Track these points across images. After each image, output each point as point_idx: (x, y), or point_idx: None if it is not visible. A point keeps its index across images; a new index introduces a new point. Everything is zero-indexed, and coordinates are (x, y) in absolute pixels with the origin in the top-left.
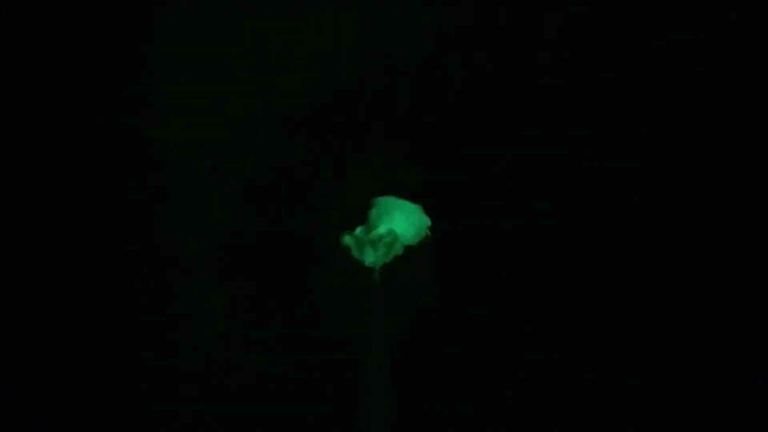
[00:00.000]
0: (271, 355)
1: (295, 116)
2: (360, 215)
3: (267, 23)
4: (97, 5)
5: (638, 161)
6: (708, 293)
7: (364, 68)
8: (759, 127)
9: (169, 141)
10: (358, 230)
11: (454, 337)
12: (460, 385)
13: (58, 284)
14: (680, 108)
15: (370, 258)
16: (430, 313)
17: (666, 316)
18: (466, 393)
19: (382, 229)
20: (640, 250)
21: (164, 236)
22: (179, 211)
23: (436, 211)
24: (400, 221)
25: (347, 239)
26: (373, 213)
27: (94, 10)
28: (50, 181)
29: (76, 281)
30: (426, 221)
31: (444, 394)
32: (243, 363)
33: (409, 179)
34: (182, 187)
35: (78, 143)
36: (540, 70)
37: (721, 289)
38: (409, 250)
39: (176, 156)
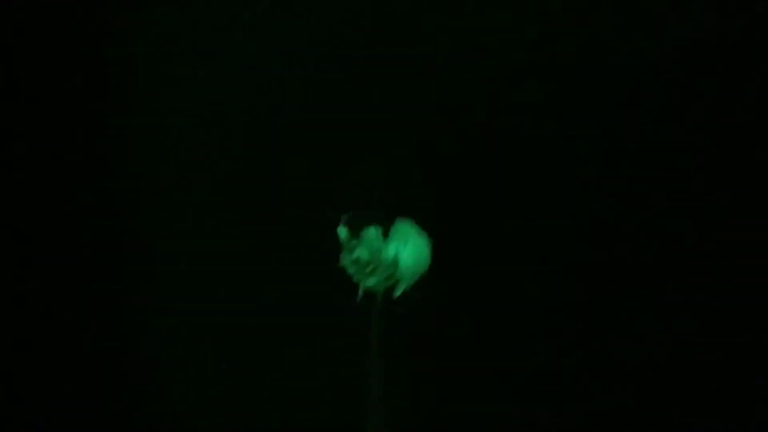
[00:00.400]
0: (267, 358)
1: (292, 117)
2: (358, 219)
3: (263, 22)
4: (88, 6)
5: (638, 163)
6: (708, 294)
7: (362, 69)
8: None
9: (163, 142)
10: (360, 251)
11: (453, 338)
12: (459, 386)
13: (56, 284)
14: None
15: (371, 282)
16: (430, 315)
17: (667, 317)
18: (465, 395)
19: (389, 254)
20: (641, 251)
21: (158, 237)
22: (174, 212)
23: (435, 213)
24: (409, 253)
25: (346, 259)
26: (377, 233)
27: (83, 11)
28: (45, 181)
29: (74, 281)
30: (428, 257)
31: (443, 396)
32: (240, 365)
33: (407, 180)
34: (176, 189)
35: (72, 143)
36: (541, 69)
37: (722, 289)
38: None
39: (170, 157)
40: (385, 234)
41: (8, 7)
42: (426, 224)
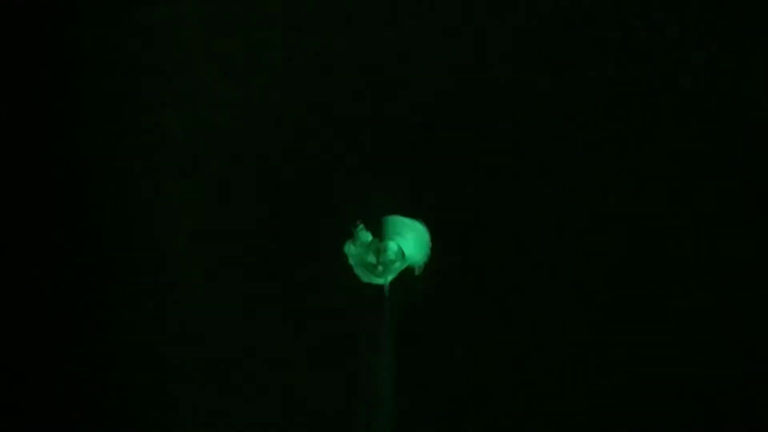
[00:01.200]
0: (273, 359)
1: (297, 119)
2: (367, 223)
3: (268, 22)
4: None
5: (638, 163)
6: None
7: (365, 70)
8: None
9: (163, 142)
10: (358, 247)
11: (457, 339)
12: (462, 388)
13: (56, 284)
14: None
15: (377, 275)
16: (435, 317)
17: (670, 321)
18: (467, 396)
19: (392, 248)
20: (644, 252)
21: (157, 237)
22: (175, 211)
23: (436, 214)
24: (410, 242)
25: (351, 254)
26: (381, 230)
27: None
28: (45, 181)
29: (73, 282)
30: (428, 243)
31: (447, 398)
32: (244, 364)
33: (411, 183)
34: (176, 189)
35: (71, 143)
36: (541, 69)
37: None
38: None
39: (170, 156)
40: (380, 233)
41: (8, 7)
42: (429, 223)
